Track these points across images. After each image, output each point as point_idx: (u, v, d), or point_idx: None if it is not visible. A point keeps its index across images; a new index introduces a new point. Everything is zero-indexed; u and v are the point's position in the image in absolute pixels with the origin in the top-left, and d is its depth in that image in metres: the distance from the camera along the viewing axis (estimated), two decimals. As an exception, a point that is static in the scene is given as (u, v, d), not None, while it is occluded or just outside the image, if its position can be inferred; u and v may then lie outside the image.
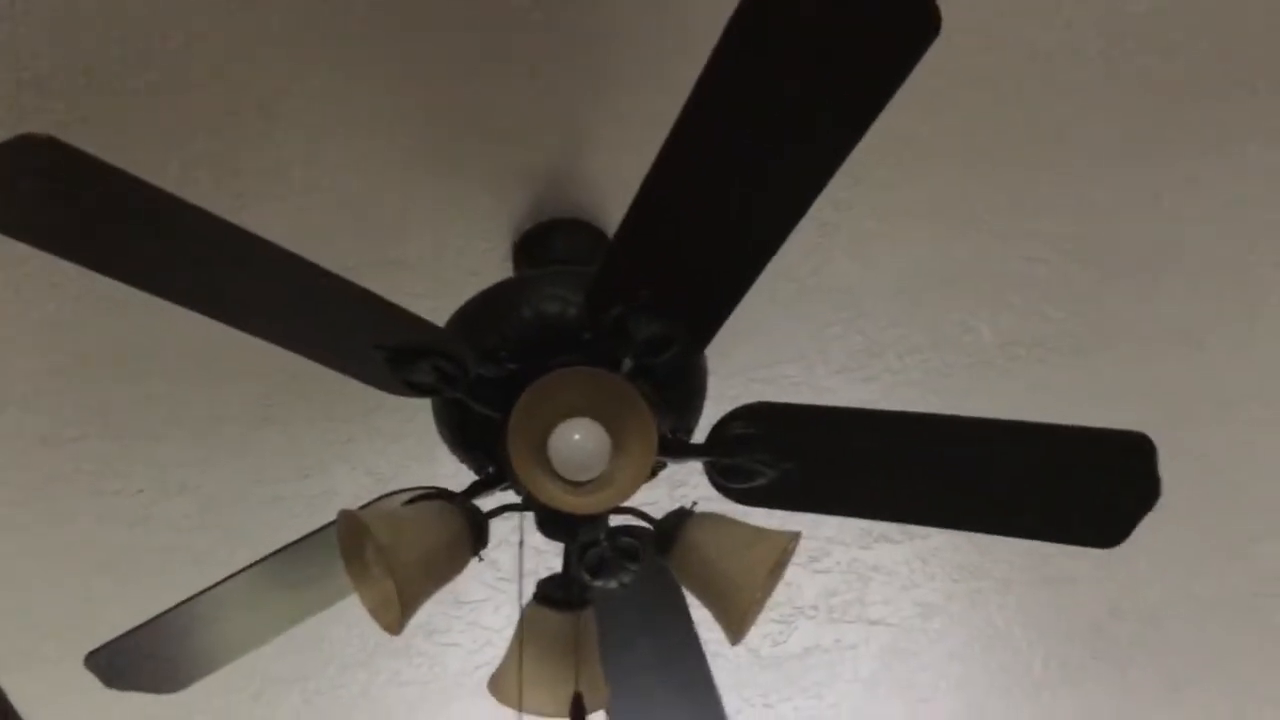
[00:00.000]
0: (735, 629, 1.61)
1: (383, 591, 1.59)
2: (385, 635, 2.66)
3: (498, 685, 1.70)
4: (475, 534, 1.64)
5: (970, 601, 2.63)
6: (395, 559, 1.51)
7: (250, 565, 1.83)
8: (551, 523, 1.67)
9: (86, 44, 1.74)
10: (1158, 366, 2.22)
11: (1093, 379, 2.23)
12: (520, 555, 1.81)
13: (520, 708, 1.63)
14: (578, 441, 1.47)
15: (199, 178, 1.87)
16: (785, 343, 2.18)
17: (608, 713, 2.05)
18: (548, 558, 2.48)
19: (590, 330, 1.62)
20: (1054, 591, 2.62)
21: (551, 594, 1.71)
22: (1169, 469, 1.76)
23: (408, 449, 2.29)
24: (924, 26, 1.30)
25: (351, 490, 2.33)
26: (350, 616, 2.59)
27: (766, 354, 2.19)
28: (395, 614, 1.55)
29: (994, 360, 2.21)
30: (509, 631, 2.64)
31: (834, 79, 1.34)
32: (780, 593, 2.57)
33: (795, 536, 1.62)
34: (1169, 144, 1.92)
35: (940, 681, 2.81)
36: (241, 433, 2.24)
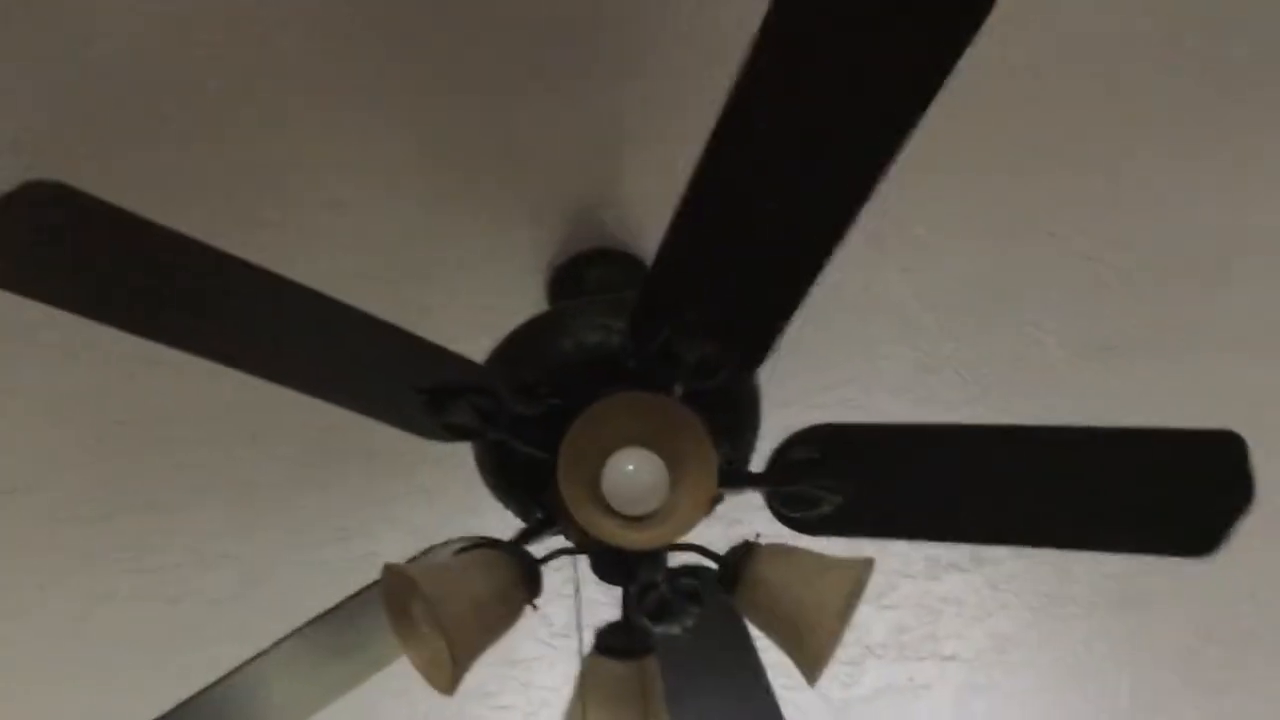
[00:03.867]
0: (812, 667, 1.50)
1: (433, 649, 1.49)
2: (437, 701, 2.55)
3: (563, 744, 1.60)
4: (528, 582, 1.53)
5: (1049, 630, 2.50)
6: (444, 611, 1.41)
7: (291, 633, 1.74)
8: (607, 564, 1.57)
9: (106, 95, 1.68)
10: (1233, 367, 2.11)
11: (1163, 383, 2.12)
12: (577, 602, 1.70)
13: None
14: (632, 473, 1.37)
15: (223, 229, 1.80)
16: (838, 366, 2.08)
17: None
18: (603, 609, 2.37)
19: (635, 357, 1.53)
20: (1139, 615, 2.48)
21: (613, 642, 1.61)
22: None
23: (451, 503, 2.19)
24: (972, 4, 1.21)
25: (395, 550, 2.24)
26: (399, 685, 2.48)
27: (819, 378, 2.09)
28: (447, 672, 1.45)
29: (1058, 369, 2.10)
30: (566, 690, 2.51)
31: (874, 77, 1.25)
32: (848, 633, 2.44)
33: (869, 564, 1.51)
34: (1227, 134, 1.82)
35: (1019, 715, 2.67)
36: (278, 497, 2.16)
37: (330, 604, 2.18)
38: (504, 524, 2.04)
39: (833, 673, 2.54)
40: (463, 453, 2.12)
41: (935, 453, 1.64)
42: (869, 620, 2.46)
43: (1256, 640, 2.53)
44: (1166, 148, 1.84)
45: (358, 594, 1.71)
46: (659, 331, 1.48)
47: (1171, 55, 1.74)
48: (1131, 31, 1.72)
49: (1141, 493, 1.66)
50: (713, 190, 1.36)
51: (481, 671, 2.47)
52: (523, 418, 1.55)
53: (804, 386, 2.08)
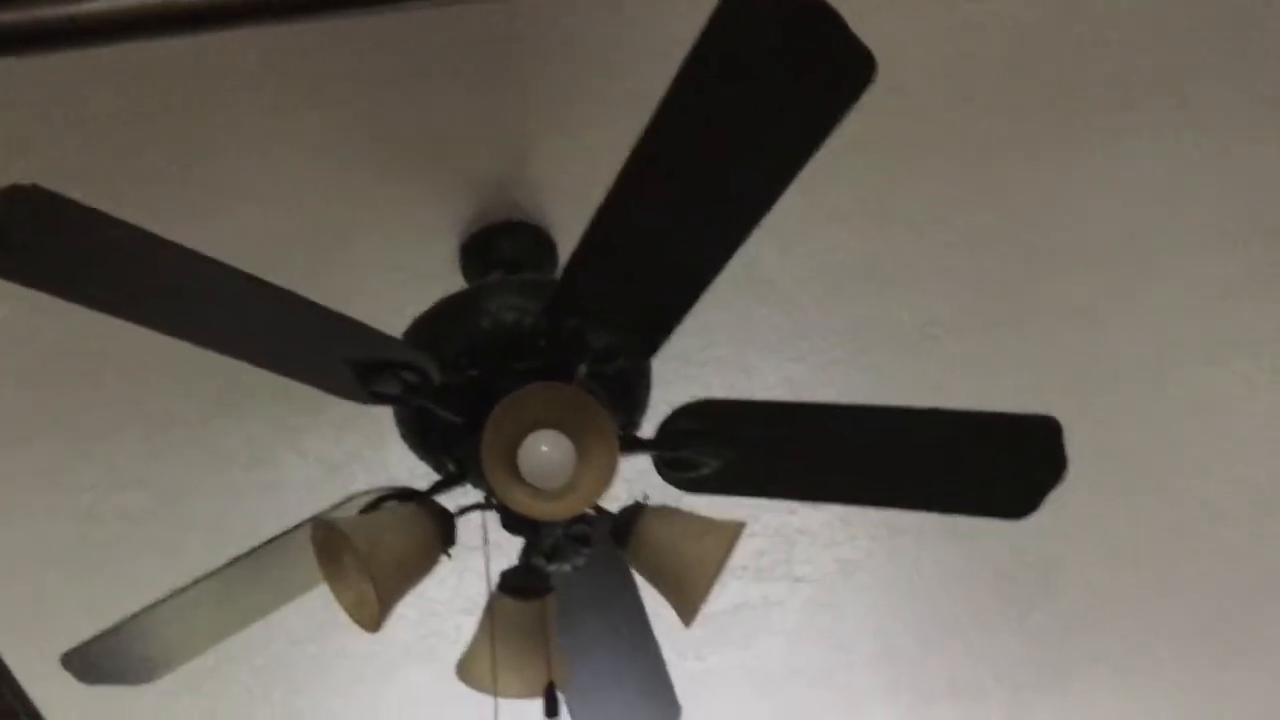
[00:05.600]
0: (689, 613, 1.75)
1: (359, 593, 1.69)
2: (332, 610, 2.75)
3: (468, 671, 1.82)
4: (444, 533, 1.74)
5: (888, 557, 2.81)
6: (374, 564, 1.61)
7: (220, 568, 1.92)
8: (515, 521, 1.78)
9: (31, 68, 1.77)
10: (1061, 341, 2.40)
11: (1003, 354, 2.40)
12: (485, 551, 1.91)
13: (495, 692, 1.75)
14: (545, 453, 1.58)
15: (152, 193, 1.92)
16: (717, 328, 2.30)
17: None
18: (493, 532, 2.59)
19: (547, 339, 1.72)
20: (962, 544, 2.81)
21: (516, 584, 1.83)
22: (1067, 433, 1.93)
23: (359, 438, 2.37)
24: (863, 72, 1.42)
25: (303, 479, 2.41)
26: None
27: (701, 339, 2.31)
28: (374, 613, 1.65)
29: (912, 341, 2.36)
30: (455, 603, 2.75)
31: (785, 112, 1.45)
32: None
33: (741, 526, 1.75)
34: (1069, 142, 2.07)
35: (859, 631, 3.00)
36: (194, 428, 2.30)
37: (240, 528, 2.37)
38: (406, 457, 2.24)
39: (696, 591, 2.82)
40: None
41: (797, 427, 1.88)
42: (731, 546, 2.73)
43: (1060, 566, 2.89)
44: (1014, 153, 2.08)
45: (283, 535, 1.90)
46: (571, 320, 1.68)
47: (1016, 74, 1.97)
48: (982, 53, 1.94)
49: (972, 465, 1.93)
50: (627, 202, 1.55)
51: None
52: (443, 387, 1.74)
53: (687, 348, 2.31)
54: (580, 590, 2.07)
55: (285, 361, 1.67)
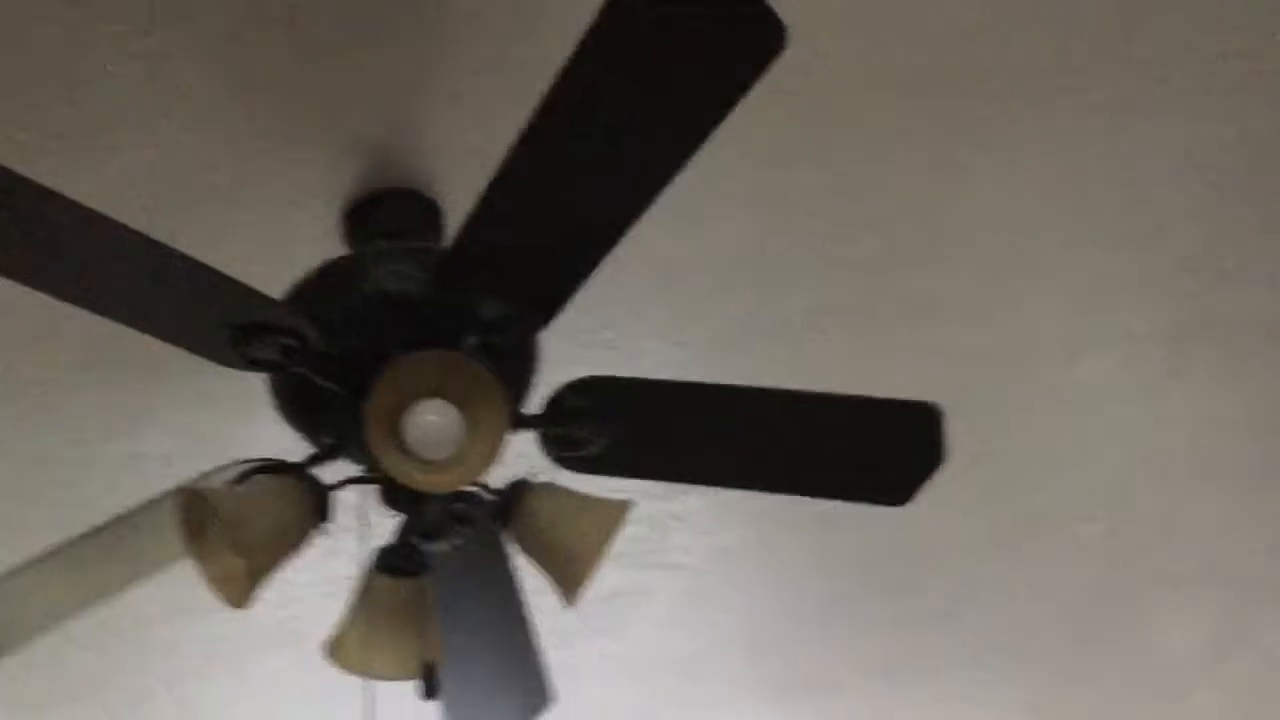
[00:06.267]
0: (571, 593, 1.70)
1: (226, 567, 1.60)
2: (187, 590, 2.64)
3: (338, 651, 1.74)
4: (319, 508, 1.66)
5: (763, 546, 2.81)
6: (242, 537, 1.53)
7: (71, 541, 1.80)
8: (396, 496, 1.71)
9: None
10: (945, 334, 2.42)
11: (885, 345, 2.42)
12: (364, 528, 1.84)
13: (368, 673, 1.68)
14: (433, 422, 1.52)
15: (22, 141, 1.80)
16: (605, 309, 2.26)
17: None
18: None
19: (435, 309, 1.66)
20: (836, 535, 2.83)
21: (391, 562, 1.76)
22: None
23: (224, 411, 2.27)
24: (770, 42, 1.39)
25: (164, 452, 2.30)
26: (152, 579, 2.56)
27: (589, 320, 2.27)
28: (242, 590, 1.57)
29: (797, 329, 2.36)
30: (320, 587, 2.66)
31: (689, 84, 1.42)
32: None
33: (629, 505, 1.72)
34: (960, 134, 2.09)
35: (730, 621, 3.00)
36: (49, 395, 2.17)
37: (95, 501, 2.24)
38: (278, 436, 2.15)
39: (570, 578, 2.78)
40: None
41: (687, 406, 1.85)
42: (606, 532, 2.70)
43: (926, 558, 2.93)
44: (902, 145, 2.09)
45: (144, 505, 1.79)
46: (460, 289, 1.63)
47: (916, 64, 1.98)
48: (884, 36, 1.94)
49: (853, 451, 1.93)
50: (522, 172, 1.50)
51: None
52: (323, 355, 1.66)
53: (573, 327, 2.26)
54: (457, 572, 2.02)
55: (155, 319, 1.58)
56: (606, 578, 2.81)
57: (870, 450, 1.93)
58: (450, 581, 2.02)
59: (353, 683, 2.85)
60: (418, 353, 1.56)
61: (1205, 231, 2.30)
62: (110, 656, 2.73)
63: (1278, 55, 2.00)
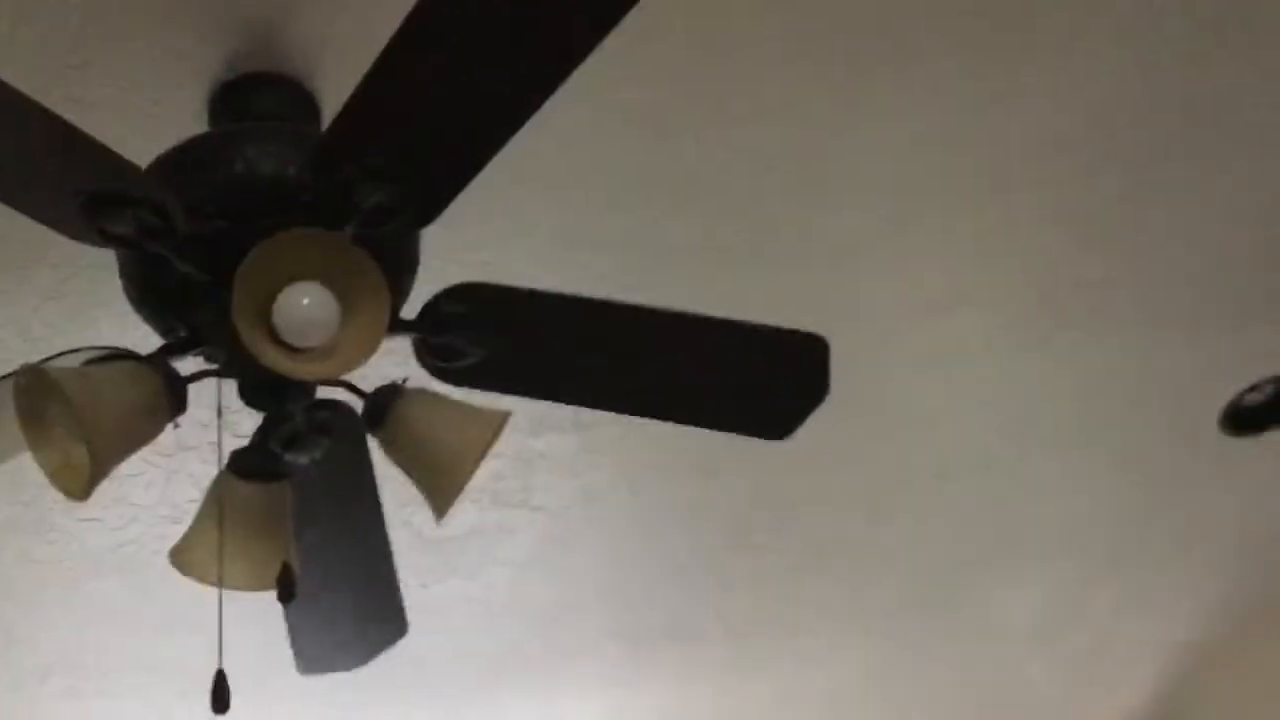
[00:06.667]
0: (442, 505, 1.62)
1: (66, 454, 1.47)
2: (10, 507, 2.45)
3: (185, 558, 1.62)
4: (173, 398, 1.54)
5: (629, 491, 2.76)
6: (88, 420, 1.40)
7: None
8: (257, 391, 1.59)
9: None
10: (820, 278, 2.40)
11: (765, 286, 2.38)
12: (219, 425, 1.72)
13: (220, 582, 1.56)
14: (306, 306, 1.41)
15: None
16: (485, 228, 2.17)
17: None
18: (209, 432, 2.37)
19: (311, 192, 1.55)
20: (704, 483, 2.79)
21: (248, 465, 1.65)
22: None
23: (65, 308, 2.10)
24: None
25: (-3, 349, 2.12)
26: None
27: (467, 237, 2.17)
28: (83, 479, 1.44)
29: (679, 261, 2.30)
30: (160, 510, 2.50)
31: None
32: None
33: (506, 416, 1.64)
34: (863, 76, 2.05)
35: (590, 566, 2.94)
36: None
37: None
38: (120, 337, 2.00)
39: (428, 513, 2.67)
40: (82, 260, 2.03)
41: (568, 321, 1.78)
42: (469, 467, 2.60)
43: (793, 511, 2.92)
44: (792, 73, 2.04)
45: (-27, 391, 1.64)
46: (340, 172, 1.52)
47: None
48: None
49: (736, 378, 1.89)
50: (405, 61, 1.41)
51: (72, 482, 2.41)
52: (185, 236, 1.54)
53: (451, 244, 2.16)
54: (314, 489, 1.90)
55: (1, 176, 1.43)
56: (465, 515, 2.72)
57: (754, 379, 1.89)
58: (307, 499, 1.90)
59: (193, 613, 2.70)
60: (290, 230, 1.45)
61: (1088, 194, 2.33)
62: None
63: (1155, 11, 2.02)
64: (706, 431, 2.62)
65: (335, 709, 3.16)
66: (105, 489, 2.44)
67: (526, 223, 2.19)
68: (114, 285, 1.94)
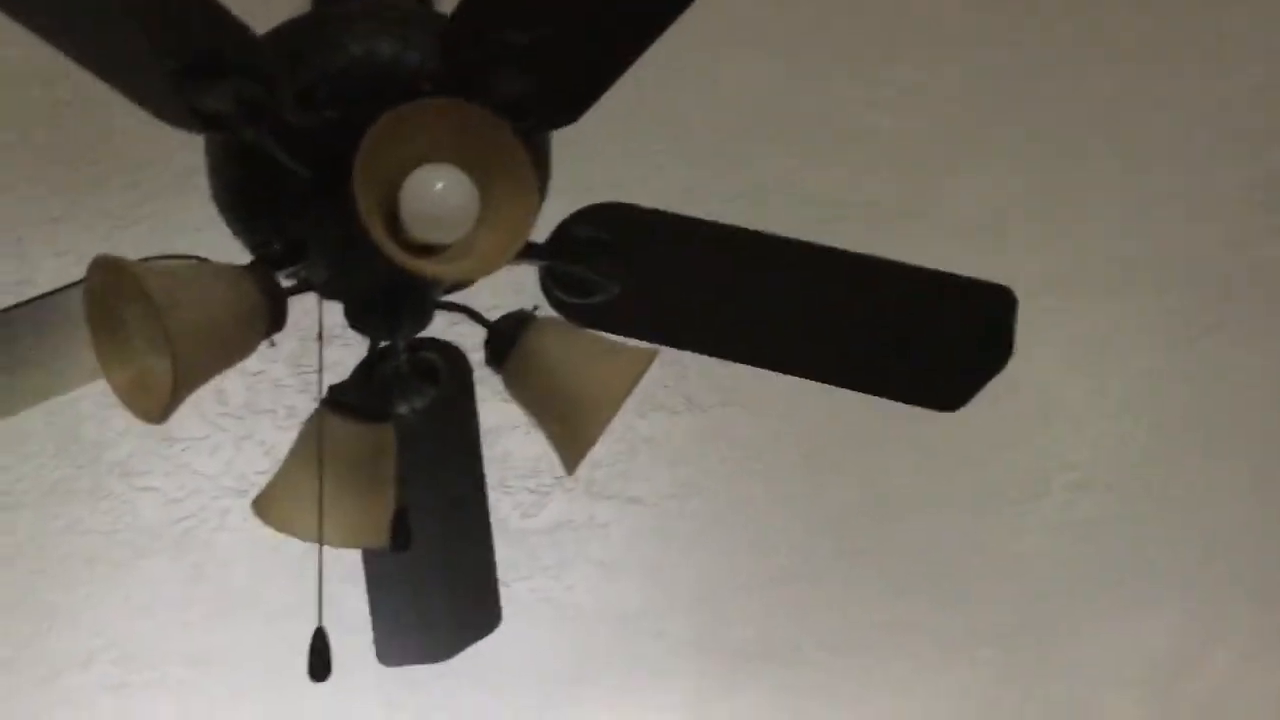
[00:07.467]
0: (575, 454, 1.37)
1: (142, 369, 1.23)
2: (62, 469, 2.22)
3: (271, 508, 1.38)
4: (271, 312, 1.30)
5: (731, 484, 2.49)
6: (174, 320, 1.16)
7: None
8: (370, 312, 1.35)
9: None
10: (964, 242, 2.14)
11: (908, 246, 2.12)
12: (320, 349, 1.48)
13: (320, 539, 1.31)
14: (440, 191, 1.17)
15: None
16: (602, 167, 1.94)
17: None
18: (285, 394, 2.15)
19: (439, 80, 1.31)
20: (814, 480, 2.52)
21: (351, 401, 1.40)
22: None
23: (137, 236, 1.88)
24: None
25: (56, 280, 1.89)
26: (24, 447, 2.15)
27: (582, 177, 1.93)
28: (161, 397, 1.20)
29: (810, 216, 2.05)
30: (224, 480, 2.26)
31: None
32: (546, 458, 2.33)
33: (654, 353, 1.39)
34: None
35: (682, 566, 2.67)
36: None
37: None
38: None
39: (517, 499, 2.43)
40: (158, 183, 1.81)
41: (722, 255, 1.54)
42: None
43: (915, 507, 2.63)
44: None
45: (32, 301, 1.40)
46: (474, 55, 1.28)
47: None
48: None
49: (907, 335, 1.63)
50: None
51: (131, 441, 2.18)
52: (290, 124, 1.30)
53: (565, 184, 1.92)
54: (409, 449, 1.65)
55: (83, 35, 1.20)
56: (555, 505, 2.47)
57: (930, 336, 1.62)
58: (403, 460, 1.66)
59: (248, 600, 2.45)
60: (420, 100, 1.21)
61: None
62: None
63: None
64: (824, 417, 2.39)
65: (388, 710, 2.88)
66: (167, 453, 2.22)
67: (647, 164, 1.96)
68: (192, 211, 1.72)
